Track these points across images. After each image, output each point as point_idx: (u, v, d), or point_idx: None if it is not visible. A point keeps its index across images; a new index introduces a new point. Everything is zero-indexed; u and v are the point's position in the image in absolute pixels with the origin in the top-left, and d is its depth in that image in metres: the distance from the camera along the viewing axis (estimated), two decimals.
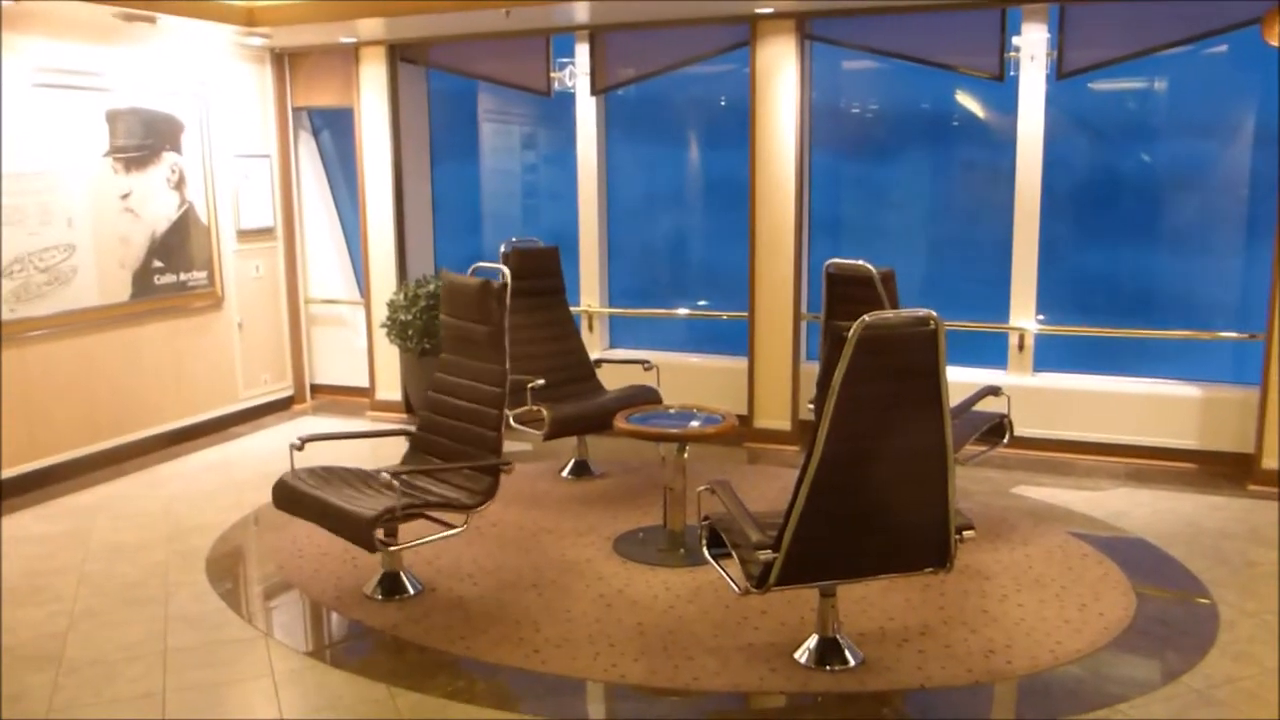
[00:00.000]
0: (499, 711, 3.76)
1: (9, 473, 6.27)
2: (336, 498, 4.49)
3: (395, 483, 4.40)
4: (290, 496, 4.63)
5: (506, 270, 4.92)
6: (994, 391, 5.57)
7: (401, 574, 4.79)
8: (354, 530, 4.33)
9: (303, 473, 4.72)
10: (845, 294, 5.52)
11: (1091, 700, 3.77)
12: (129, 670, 4.09)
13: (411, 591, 4.75)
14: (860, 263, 5.40)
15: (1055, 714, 3.69)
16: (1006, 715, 3.83)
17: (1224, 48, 6.63)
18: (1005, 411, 5.49)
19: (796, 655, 4.09)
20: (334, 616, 4.66)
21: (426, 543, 4.71)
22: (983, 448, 5.62)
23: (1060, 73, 6.59)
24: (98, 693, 3.92)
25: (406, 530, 4.69)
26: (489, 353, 4.89)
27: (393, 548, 4.66)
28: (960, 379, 6.26)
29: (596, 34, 7.62)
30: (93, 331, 6.81)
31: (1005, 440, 5.51)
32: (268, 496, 6.21)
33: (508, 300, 4.81)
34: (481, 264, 5.26)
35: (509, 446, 7.04)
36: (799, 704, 3.84)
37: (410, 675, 4.04)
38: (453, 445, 4.99)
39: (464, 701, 3.83)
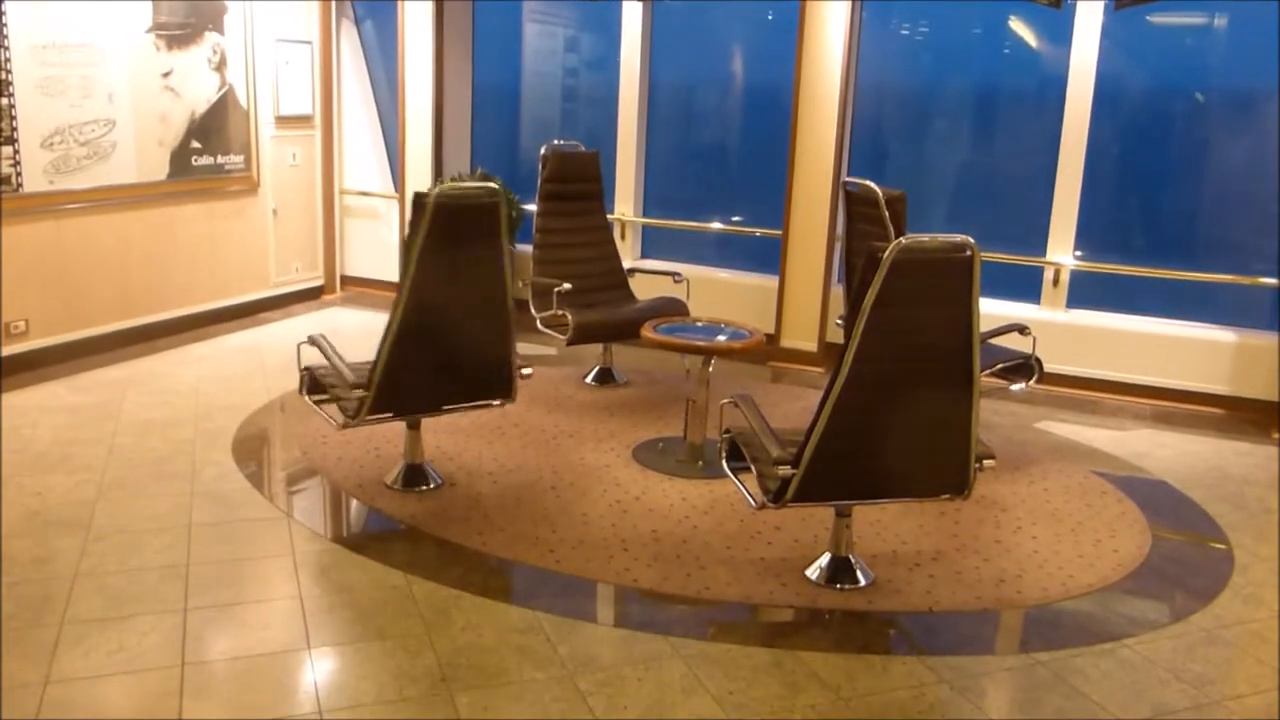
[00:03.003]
0: (514, 605, 3.82)
1: (42, 342, 6.35)
2: None
3: None
4: None
5: None
6: (1021, 329, 5.52)
7: (424, 466, 4.86)
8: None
9: None
10: (862, 214, 5.45)
11: (1099, 633, 3.80)
12: (154, 541, 4.18)
13: (432, 485, 4.81)
14: (868, 183, 5.30)
15: (1061, 645, 3.72)
16: (1012, 642, 3.87)
17: None
18: (1031, 352, 5.40)
19: (808, 572, 4.12)
20: (354, 504, 4.73)
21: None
22: (1006, 383, 5.59)
23: (1119, 2, 6.42)
24: (123, 560, 4.01)
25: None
26: None
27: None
28: (992, 311, 6.22)
29: None
30: (129, 208, 6.84)
31: (1034, 380, 5.45)
32: (295, 383, 6.27)
33: None
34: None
35: (533, 350, 7.11)
36: (807, 619, 3.89)
37: (427, 565, 4.10)
38: None
39: (478, 594, 3.89)
